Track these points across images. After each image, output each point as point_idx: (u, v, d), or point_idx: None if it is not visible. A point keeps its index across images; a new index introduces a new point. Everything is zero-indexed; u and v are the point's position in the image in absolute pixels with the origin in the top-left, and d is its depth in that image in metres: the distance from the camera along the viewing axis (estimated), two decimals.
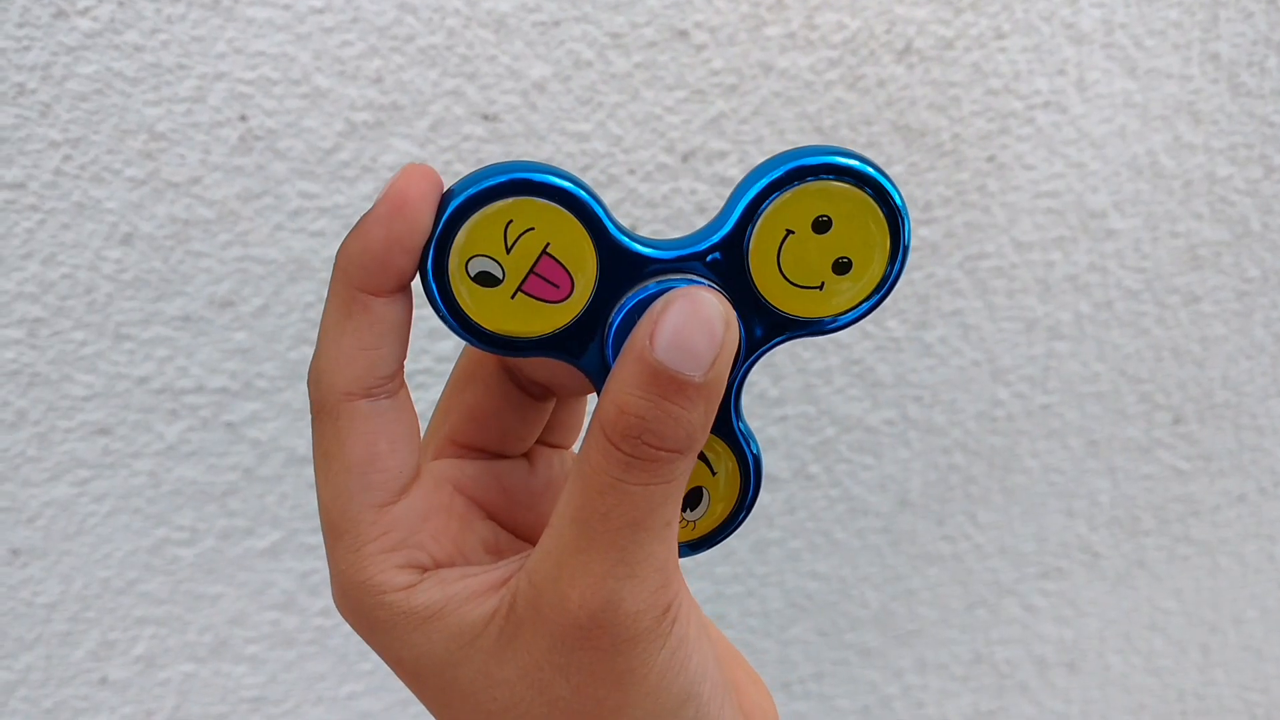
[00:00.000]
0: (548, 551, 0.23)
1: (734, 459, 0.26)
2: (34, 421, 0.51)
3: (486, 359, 0.27)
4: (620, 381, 0.22)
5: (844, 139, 0.53)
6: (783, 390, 0.58)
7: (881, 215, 0.23)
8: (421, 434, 0.26)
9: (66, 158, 0.47)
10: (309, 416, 0.54)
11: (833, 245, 0.24)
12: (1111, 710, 0.72)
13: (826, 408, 0.59)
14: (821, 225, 0.23)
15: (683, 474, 0.22)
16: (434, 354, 0.53)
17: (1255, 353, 0.65)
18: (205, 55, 0.46)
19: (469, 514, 0.27)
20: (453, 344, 0.53)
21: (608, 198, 0.52)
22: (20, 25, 0.45)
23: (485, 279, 0.23)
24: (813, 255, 0.24)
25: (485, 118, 0.49)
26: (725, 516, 0.27)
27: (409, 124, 0.49)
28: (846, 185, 0.23)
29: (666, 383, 0.21)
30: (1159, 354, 0.63)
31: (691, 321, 0.21)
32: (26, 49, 0.45)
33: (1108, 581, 0.69)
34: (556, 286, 0.23)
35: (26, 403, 0.50)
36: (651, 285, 0.23)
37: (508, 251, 0.22)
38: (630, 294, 0.23)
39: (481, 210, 0.22)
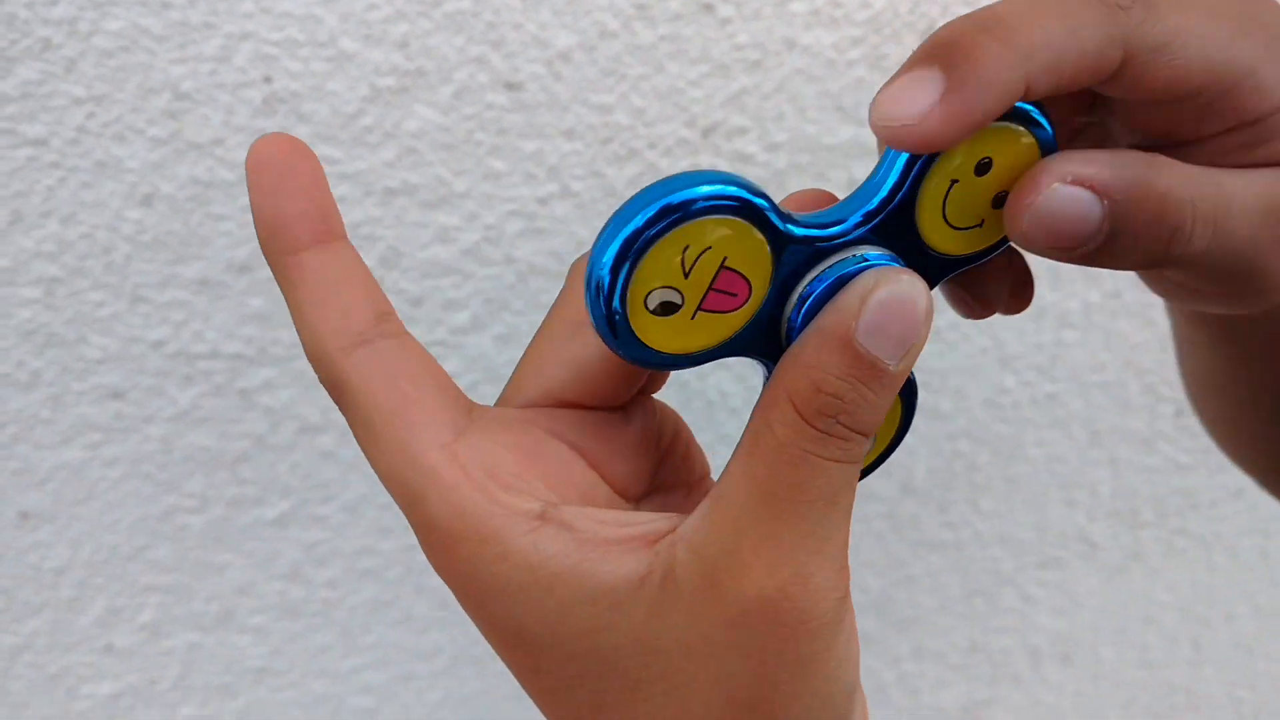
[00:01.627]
0: (722, 521, 0.21)
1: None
2: (48, 383, 0.50)
3: None
4: (817, 358, 0.21)
5: (864, 118, 0.54)
6: None
7: (1036, 145, 0.23)
8: (448, 382, 0.24)
9: (90, 115, 0.47)
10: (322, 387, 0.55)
11: (993, 183, 0.24)
12: (1102, 703, 0.73)
13: None
14: (983, 168, 0.23)
15: (863, 455, 0.22)
16: (449, 325, 0.53)
17: None
18: (232, 14, 0.46)
19: (567, 461, 0.25)
20: (468, 315, 0.53)
21: (628, 172, 0.52)
22: None
23: (666, 309, 0.22)
24: (976, 197, 0.24)
25: (508, 86, 0.49)
26: (882, 450, 0.27)
27: (433, 90, 0.49)
28: (1005, 124, 0.23)
29: (866, 367, 0.21)
30: (1165, 345, 0.64)
31: (896, 309, 0.21)
32: (54, 3, 0.45)
33: (1104, 573, 0.70)
34: (734, 295, 0.22)
35: (42, 363, 0.50)
36: (846, 262, 0.23)
37: (685, 276, 0.22)
38: (820, 272, 0.23)
39: (657, 243, 0.21)
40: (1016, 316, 0.62)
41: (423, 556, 0.23)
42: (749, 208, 0.21)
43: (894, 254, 0.24)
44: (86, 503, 0.53)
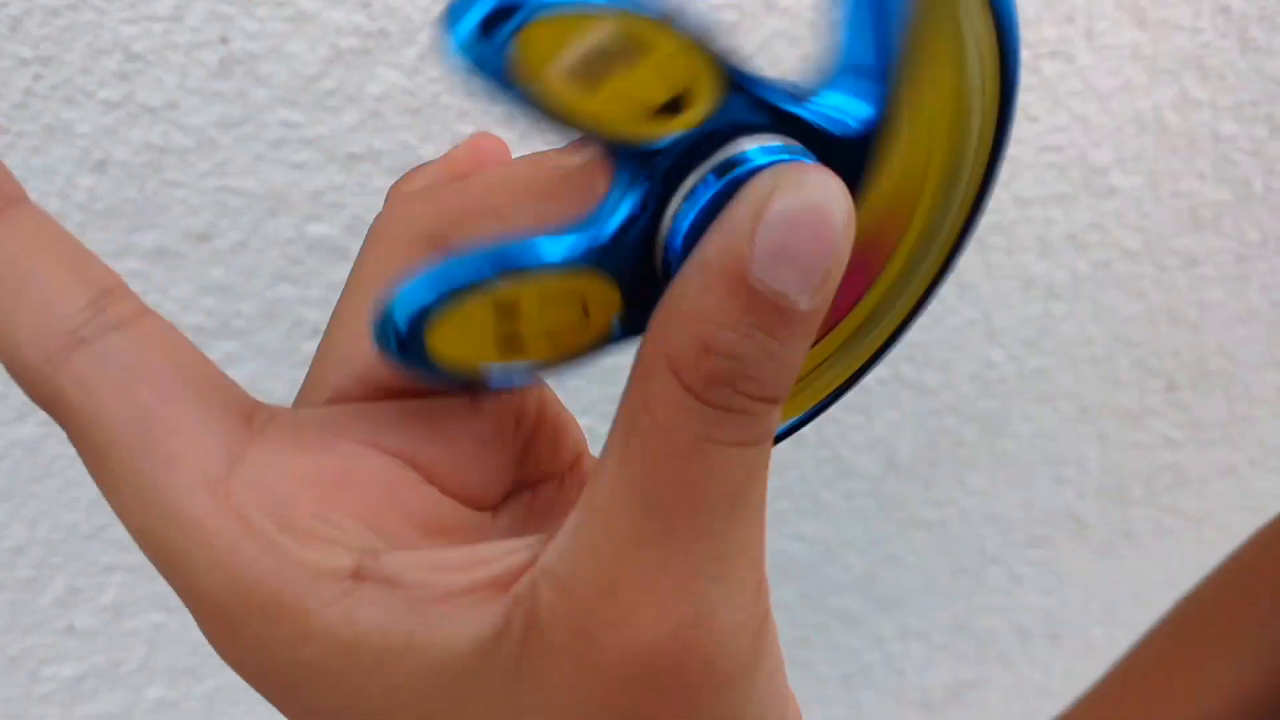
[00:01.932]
0: (593, 545, 0.16)
1: None
2: None
3: (418, 254, 0.19)
4: (701, 306, 0.15)
5: None
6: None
7: None
8: (214, 378, 0.18)
9: (37, 77, 0.45)
10: (287, 359, 0.53)
11: None
12: (1092, 683, 0.72)
13: None
14: (597, 62, 0.17)
15: (774, 429, 0.16)
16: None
17: (1251, 319, 0.65)
18: None
19: (393, 480, 0.18)
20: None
21: None
22: None
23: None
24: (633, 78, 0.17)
25: None
26: (811, 405, 0.22)
27: (396, 52, 0.47)
28: None
29: (769, 310, 0.15)
30: (1154, 318, 0.63)
31: (805, 223, 0.15)
32: None
33: (1093, 551, 0.69)
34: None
35: None
36: (728, 162, 0.17)
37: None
38: (690, 189, 0.17)
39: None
40: (1004, 288, 0.61)
41: None
42: (545, 257, 0.17)
43: (793, 142, 0.17)
44: (43, 480, 0.51)
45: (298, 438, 0.18)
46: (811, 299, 0.15)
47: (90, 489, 0.50)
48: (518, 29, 0.15)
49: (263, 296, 0.50)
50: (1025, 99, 0.54)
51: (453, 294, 0.17)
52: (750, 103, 0.17)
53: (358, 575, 0.16)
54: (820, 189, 0.15)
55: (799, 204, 0.15)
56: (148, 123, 0.46)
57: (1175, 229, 0.60)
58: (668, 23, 0.16)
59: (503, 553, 0.17)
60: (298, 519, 0.16)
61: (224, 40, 0.46)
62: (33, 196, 0.46)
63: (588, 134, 0.17)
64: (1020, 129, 0.55)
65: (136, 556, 0.52)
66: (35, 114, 0.46)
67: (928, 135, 0.18)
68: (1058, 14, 0.53)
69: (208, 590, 0.16)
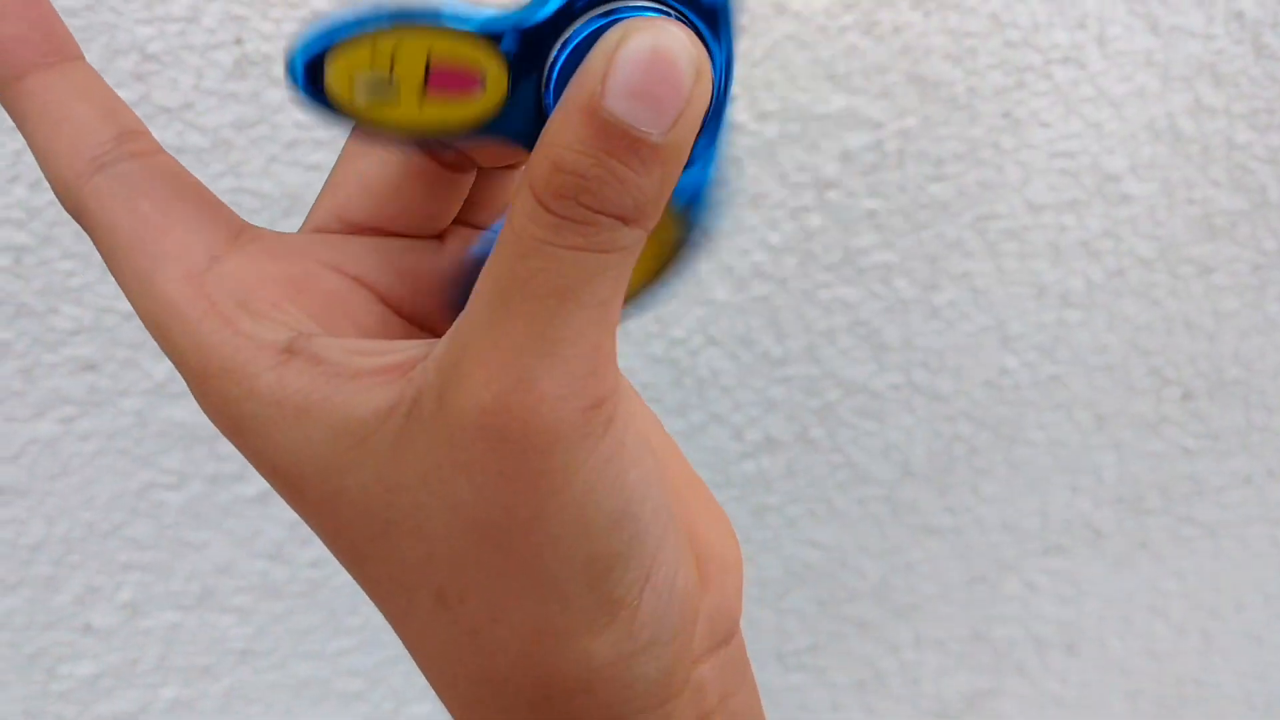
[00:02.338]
0: (457, 330, 0.19)
1: (670, 212, 0.22)
2: (19, 354, 0.49)
3: None
4: (558, 133, 0.18)
5: (857, 87, 0.52)
6: (786, 350, 0.57)
7: None
8: (208, 200, 0.22)
9: None
10: None
11: None
12: (1109, 693, 0.72)
13: (830, 369, 0.58)
14: None
15: (629, 246, 0.19)
16: None
17: (1268, 328, 0.64)
18: None
19: (345, 292, 0.22)
20: None
21: None
22: None
23: (378, 92, 0.19)
24: None
25: None
26: (657, 268, 0.23)
27: None
28: None
29: (617, 139, 0.17)
30: (1171, 326, 0.62)
31: (656, 64, 0.17)
32: None
33: (1109, 561, 0.69)
34: (463, 86, 0.20)
35: (11, 334, 0.49)
36: (600, 15, 0.19)
37: (389, 70, 0.19)
38: (574, 28, 0.19)
39: (337, 49, 0.19)
40: (1018, 294, 0.61)
41: None
42: (424, 16, 0.19)
43: (665, 6, 0.19)
44: (61, 478, 0.52)
45: (273, 252, 0.22)
46: (664, 134, 0.18)
47: (108, 486, 0.51)
48: (320, 76, 0.19)
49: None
50: (1037, 104, 0.54)
51: (348, 36, 0.19)
52: None
53: (290, 350, 0.20)
54: (666, 37, 0.18)
55: (646, 47, 0.17)
56: (163, 123, 0.47)
57: (1190, 237, 0.60)
58: (420, 24, 0.19)
59: (409, 346, 0.20)
60: (256, 305, 0.21)
61: (239, 41, 0.46)
62: (50, 195, 0.47)
63: (413, 137, 0.20)
64: (1032, 134, 0.55)
65: (153, 555, 0.53)
66: None
67: None
68: (1069, 19, 0.53)
69: (183, 357, 0.20)
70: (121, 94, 0.46)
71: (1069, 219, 0.58)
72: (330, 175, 0.23)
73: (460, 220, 0.25)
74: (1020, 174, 0.56)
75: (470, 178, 0.24)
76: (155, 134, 0.47)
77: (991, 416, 0.62)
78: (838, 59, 0.51)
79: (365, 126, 0.20)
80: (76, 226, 0.46)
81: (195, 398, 0.21)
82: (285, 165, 0.48)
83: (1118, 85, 0.55)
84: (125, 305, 0.49)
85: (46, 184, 0.47)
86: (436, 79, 0.19)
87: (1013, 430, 0.63)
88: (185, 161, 0.47)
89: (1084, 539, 0.68)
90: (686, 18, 0.20)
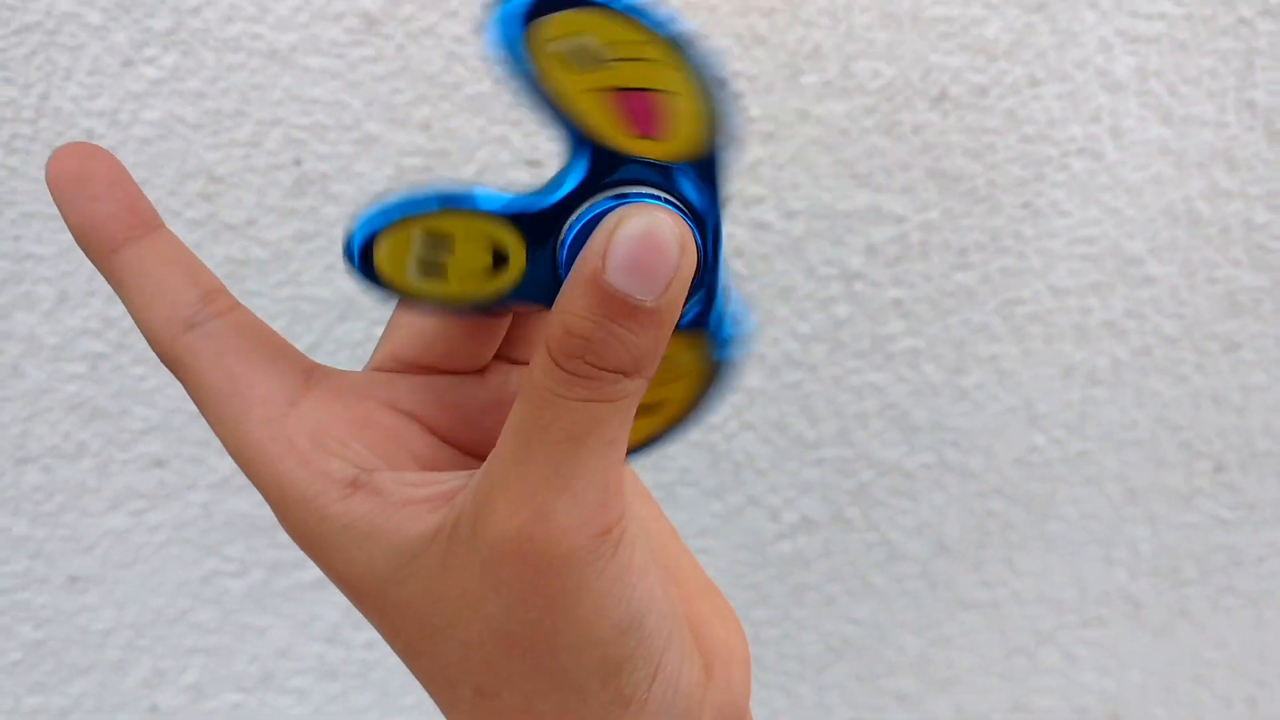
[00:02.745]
0: (488, 466, 0.22)
1: (701, 351, 0.25)
2: (94, 453, 0.52)
3: None
4: (568, 302, 0.21)
5: (880, 184, 0.54)
6: (820, 433, 0.59)
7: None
8: (283, 349, 0.26)
9: None
10: None
11: (624, 74, 0.22)
12: None
13: (863, 451, 0.60)
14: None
15: (630, 394, 0.22)
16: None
17: None
18: (263, 101, 0.48)
19: (401, 428, 0.26)
20: None
21: None
22: (91, 73, 0.47)
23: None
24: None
25: (529, 163, 0.51)
26: (676, 414, 0.26)
27: (456, 169, 0.50)
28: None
29: (617, 306, 0.21)
30: (1198, 401, 0.63)
31: (646, 243, 0.21)
32: (96, 96, 0.47)
33: (1150, 631, 0.68)
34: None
35: (87, 435, 0.52)
36: (604, 200, 0.23)
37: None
38: (581, 211, 0.23)
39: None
40: (1044, 375, 0.62)
41: None
42: (461, 200, 0.23)
43: (655, 190, 0.23)
44: (131, 567, 0.54)
45: (339, 392, 0.25)
46: (657, 300, 0.21)
47: (175, 574, 0.54)
48: (371, 256, 0.23)
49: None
50: (1056, 195, 0.56)
51: (397, 219, 0.23)
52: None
53: (355, 484, 0.23)
54: (655, 221, 0.21)
55: (639, 229, 0.21)
56: (229, 239, 0.50)
57: (1214, 315, 0.61)
58: (459, 209, 0.23)
59: (452, 477, 0.24)
60: (328, 444, 0.24)
61: (298, 162, 0.49)
62: (124, 307, 0.50)
63: (460, 310, 0.24)
64: (1053, 223, 0.57)
65: (217, 639, 0.55)
66: None
67: None
68: (1083, 114, 0.55)
69: (267, 488, 0.24)
70: (189, 213, 0.49)
71: (1093, 301, 0.59)
72: (389, 321, 0.27)
73: (499, 356, 0.28)
74: (1042, 260, 0.58)
75: (506, 321, 0.28)
76: (221, 249, 0.50)
77: (1023, 493, 0.63)
78: (860, 159, 0.54)
79: (410, 300, 0.24)
80: None
81: (278, 519, 0.24)
82: (340, 274, 0.51)
83: (1134, 173, 0.57)
84: (192, 406, 0.52)
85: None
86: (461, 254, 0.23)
87: (1045, 505, 0.64)
88: (248, 272, 0.50)
89: (1123, 610, 0.68)
90: (674, 202, 0.23)
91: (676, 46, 0.22)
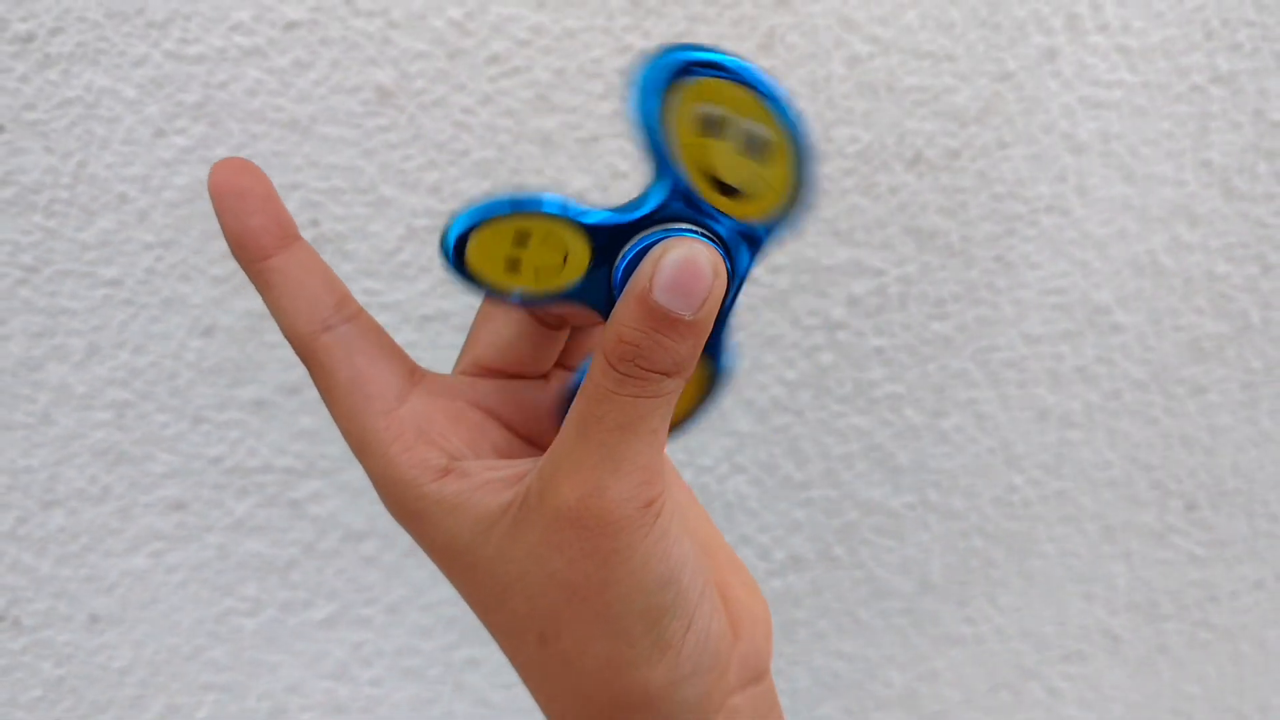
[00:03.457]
0: (553, 450, 0.26)
1: (705, 366, 0.30)
2: (118, 496, 0.54)
3: None
4: (622, 316, 0.25)
5: (860, 240, 0.57)
6: (807, 474, 0.60)
7: (756, 98, 0.25)
8: (396, 352, 0.29)
9: (158, 258, 0.51)
10: (366, 496, 0.57)
11: (735, 138, 0.26)
12: None
13: (849, 491, 0.61)
14: (713, 124, 0.26)
15: (671, 391, 0.26)
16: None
17: (1263, 441, 0.66)
18: (284, 167, 0.51)
19: (483, 423, 0.30)
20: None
21: None
22: (125, 143, 0.49)
23: (510, 264, 0.27)
24: (728, 154, 0.26)
25: None
26: (692, 406, 0.31)
27: None
28: (711, 79, 0.25)
29: (661, 319, 0.25)
30: (1169, 442, 0.65)
31: (686, 269, 0.24)
32: (130, 163, 0.50)
33: (1130, 666, 0.69)
34: (560, 262, 0.27)
35: (112, 478, 0.54)
36: (654, 234, 0.26)
37: (523, 251, 0.27)
38: (634, 241, 0.27)
39: (481, 223, 0.26)
40: (1020, 418, 0.64)
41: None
42: (546, 206, 0.26)
43: (698, 228, 0.27)
44: (150, 606, 0.56)
45: (435, 392, 0.29)
46: (694, 314, 0.25)
47: (191, 613, 0.55)
48: (463, 248, 0.27)
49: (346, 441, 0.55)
50: (1027, 249, 0.59)
51: (482, 220, 0.27)
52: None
53: (447, 470, 0.28)
54: (694, 251, 0.25)
55: (681, 257, 0.25)
56: (250, 294, 0.52)
57: (1180, 360, 0.63)
58: (548, 215, 0.27)
59: (523, 463, 0.28)
60: (430, 434, 0.28)
61: (315, 223, 0.52)
62: (150, 358, 0.52)
63: (526, 299, 0.28)
64: (1024, 275, 0.59)
65: (230, 676, 0.57)
66: (155, 289, 0.51)
67: None
68: (1050, 173, 0.57)
69: (376, 467, 0.28)
70: (214, 270, 0.52)
71: (1064, 348, 0.61)
72: (470, 333, 0.32)
73: (559, 364, 0.33)
74: (1016, 310, 0.60)
75: (565, 334, 0.32)
76: (242, 303, 0.52)
77: (1003, 531, 0.65)
78: (840, 217, 0.56)
79: (493, 291, 0.28)
80: (172, 384, 0.52)
81: (380, 495, 0.28)
82: None
83: (1100, 228, 0.59)
84: (212, 451, 0.54)
85: (146, 349, 0.52)
86: (545, 252, 0.27)
87: (1025, 543, 0.65)
88: (268, 326, 0.52)
89: (1102, 645, 0.69)
90: (711, 237, 0.27)
91: (789, 129, 0.26)
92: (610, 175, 0.54)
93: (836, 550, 0.63)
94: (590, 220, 0.27)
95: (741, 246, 0.27)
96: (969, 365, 0.60)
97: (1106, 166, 0.58)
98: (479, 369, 0.31)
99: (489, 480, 0.27)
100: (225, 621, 0.57)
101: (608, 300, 0.28)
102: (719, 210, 0.27)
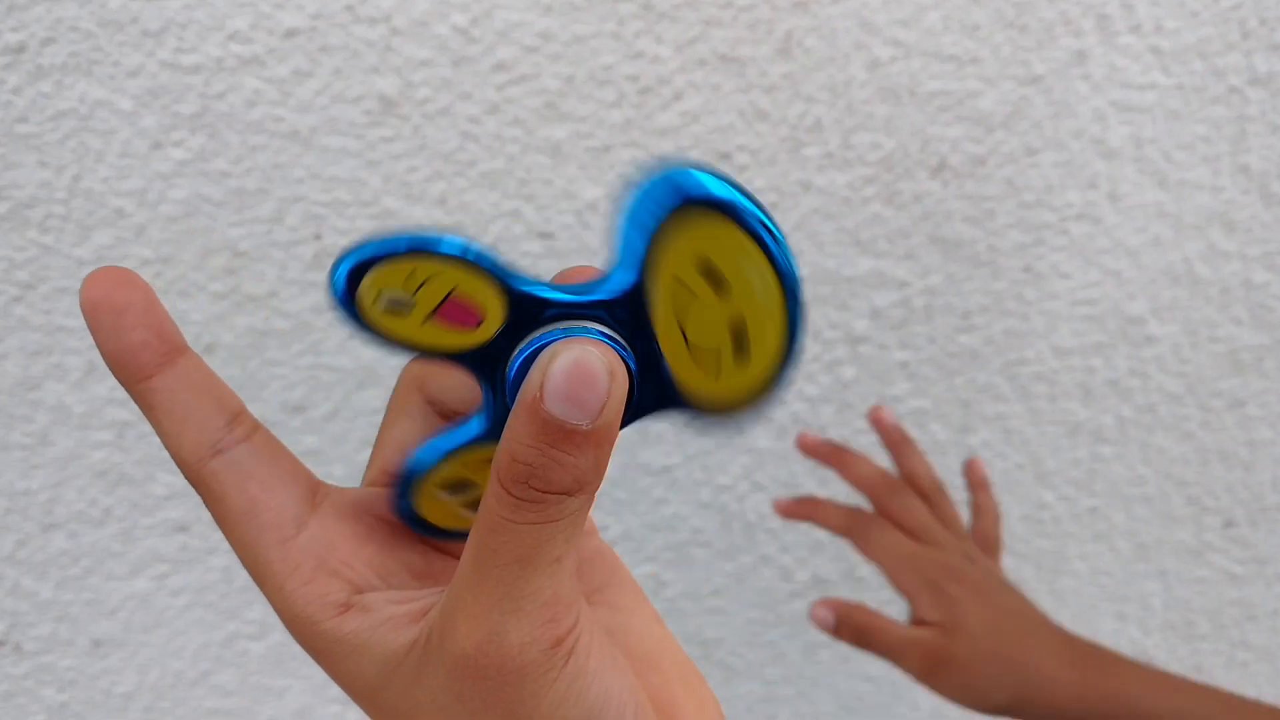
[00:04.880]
0: (452, 586, 0.24)
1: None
2: (119, 518, 0.54)
3: (412, 397, 0.28)
4: (513, 430, 0.23)
5: (882, 251, 0.56)
6: (830, 493, 0.59)
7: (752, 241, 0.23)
8: (296, 472, 0.28)
9: (157, 274, 0.51)
10: None
11: (730, 307, 0.24)
12: None
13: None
14: (715, 277, 0.24)
15: (575, 512, 0.24)
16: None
17: None
18: (285, 180, 0.50)
19: (394, 540, 0.28)
20: None
21: None
22: (121, 156, 0.49)
23: (395, 307, 0.24)
24: (712, 316, 0.24)
25: (542, 235, 0.52)
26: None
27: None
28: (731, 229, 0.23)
29: (555, 432, 0.22)
30: (1205, 457, 0.64)
31: (576, 374, 0.22)
32: (126, 177, 0.49)
33: None
34: (467, 320, 0.24)
35: (113, 500, 0.53)
36: (545, 334, 0.24)
37: (414, 292, 0.24)
38: (526, 341, 0.24)
39: (383, 263, 0.24)
40: (1050, 433, 0.63)
41: None
42: (481, 259, 0.24)
43: (607, 331, 0.25)
44: (154, 630, 0.56)
45: (341, 511, 0.27)
46: (593, 423, 0.22)
47: (196, 637, 0.55)
48: (355, 286, 0.24)
49: (351, 460, 0.54)
50: (1056, 258, 0.57)
51: (375, 256, 0.24)
52: (534, 303, 0.25)
53: (347, 605, 0.26)
54: (584, 353, 0.22)
55: (570, 362, 0.22)
56: (251, 310, 0.51)
57: (1217, 372, 0.62)
58: (451, 260, 0.24)
59: (429, 594, 0.26)
60: (332, 563, 0.26)
61: (318, 237, 0.51)
62: None
63: (413, 350, 0.25)
64: (1054, 285, 0.58)
65: (236, 701, 0.56)
66: None
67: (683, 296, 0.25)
68: (1079, 180, 0.56)
69: (275, 605, 0.26)
70: (214, 286, 0.51)
71: (1096, 361, 0.60)
72: (376, 440, 0.30)
73: None
74: (1045, 322, 0.59)
75: None
76: (243, 320, 0.51)
77: (1033, 549, 0.64)
78: (862, 227, 0.55)
79: (376, 336, 0.25)
80: None
81: (290, 632, 0.27)
82: (359, 345, 0.52)
83: (1133, 236, 0.58)
84: None
85: None
86: (447, 309, 0.24)
87: (1055, 561, 0.64)
88: (270, 342, 0.52)
89: None
90: (605, 333, 0.25)
91: (785, 347, 0.24)
92: (623, 185, 0.53)
93: (862, 570, 0.62)
94: (520, 286, 0.24)
95: (651, 378, 0.25)
96: (997, 379, 0.59)
97: (1139, 172, 0.56)
98: (389, 479, 0.29)
99: (391, 616, 0.26)
100: (231, 645, 0.56)
101: (495, 371, 0.25)
102: (665, 358, 0.24)
